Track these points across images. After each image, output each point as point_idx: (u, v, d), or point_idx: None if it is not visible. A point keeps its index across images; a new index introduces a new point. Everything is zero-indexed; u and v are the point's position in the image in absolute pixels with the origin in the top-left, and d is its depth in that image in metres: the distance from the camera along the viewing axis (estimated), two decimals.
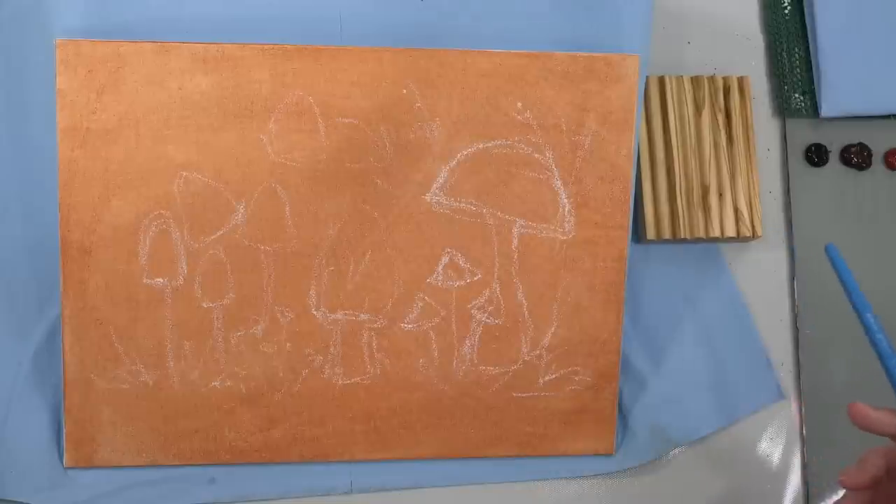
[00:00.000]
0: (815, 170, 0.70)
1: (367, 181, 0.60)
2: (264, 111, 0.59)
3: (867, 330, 0.50)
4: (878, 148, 0.70)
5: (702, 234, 0.66)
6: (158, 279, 0.59)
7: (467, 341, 0.62)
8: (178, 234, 0.59)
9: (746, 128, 0.67)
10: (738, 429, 0.67)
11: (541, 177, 0.61)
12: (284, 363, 0.61)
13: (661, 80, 0.66)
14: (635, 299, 0.66)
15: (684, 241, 0.66)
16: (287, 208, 0.60)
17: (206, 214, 0.59)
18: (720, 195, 0.66)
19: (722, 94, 0.67)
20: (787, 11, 0.71)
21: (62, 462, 0.61)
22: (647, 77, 0.66)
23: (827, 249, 0.53)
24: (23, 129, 0.61)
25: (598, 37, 0.63)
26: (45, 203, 0.60)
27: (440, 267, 0.61)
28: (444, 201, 0.61)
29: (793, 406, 0.68)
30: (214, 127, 0.59)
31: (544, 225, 0.62)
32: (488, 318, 0.62)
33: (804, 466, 0.68)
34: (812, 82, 0.70)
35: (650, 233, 0.65)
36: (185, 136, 0.58)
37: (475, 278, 0.62)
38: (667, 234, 0.65)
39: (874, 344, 0.50)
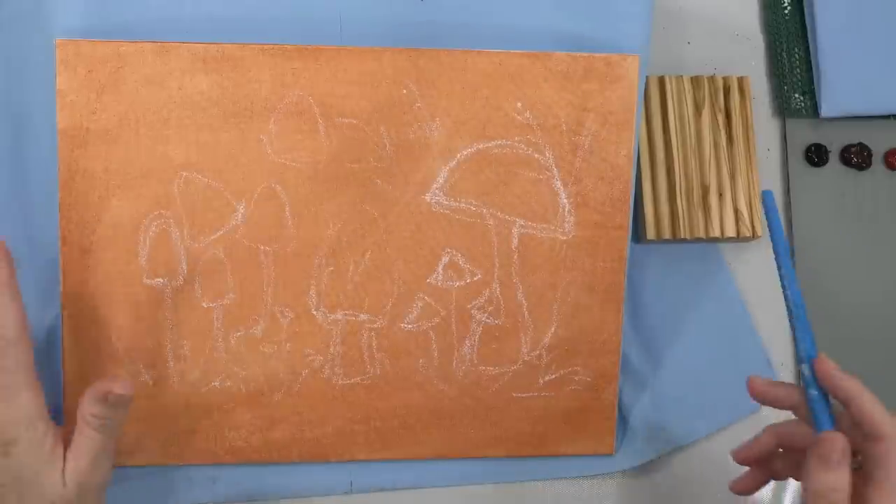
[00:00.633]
0: (815, 170, 0.70)
1: (367, 181, 0.60)
2: (264, 111, 0.59)
3: (783, 278, 0.52)
4: (878, 148, 0.70)
5: (702, 234, 0.66)
6: (158, 279, 0.59)
7: (467, 341, 0.62)
8: (178, 234, 0.59)
9: (746, 128, 0.67)
10: (739, 429, 0.67)
11: (541, 177, 0.61)
12: (284, 363, 0.61)
13: (661, 80, 0.67)
14: (635, 299, 0.66)
15: (684, 241, 0.66)
16: (287, 208, 0.60)
17: (206, 214, 0.59)
18: (720, 195, 0.66)
19: (722, 94, 0.67)
20: (787, 11, 0.71)
21: None
22: (647, 77, 0.66)
23: (764, 195, 0.54)
24: (23, 129, 0.61)
25: (598, 37, 0.63)
26: (45, 203, 0.60)
27: (440, 267, 0.61)
28: (444, 201, 0.61)
29: None
30: (214, 127, 0.59)
31: (544, 225, 0.62)
32: (488, 318, 0.62)
33: None
34: (812, 82, 0.70)
35: (650, 233, 0.65)
36: (185, 136, 0.58)
37: (475, 278, 0.62)
38: (667, 234, 0.65)
39: (786, 289, 0.53)
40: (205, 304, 0.60)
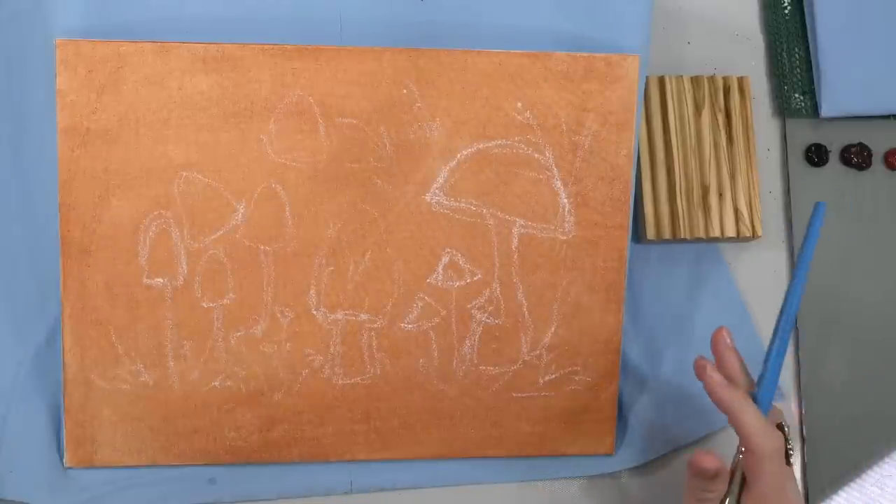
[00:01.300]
0: (815, 170, 0.70)
1: (367, 181, 0.60)
2: (264, 111, 0.59)
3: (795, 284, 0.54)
4: (878, 148, 0.70)
5: (702, 234, 0.66)
6: (158, 279, 0.59)
7: (467, 341, 0.62)
8: (178, 234, 0.59)
9: (746, 128, 0.67)
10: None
11: (541, 177, 0.61)
12: (284, 363, 0.61)
13: (661, 80, 0.67)
14: (635, 299, 0.66)
15: (684, 241, 0.66)
16: (287, 208, 0.60)
17: (206, 214, 0.59)
18: (720, 195, 0.66)
19: (722, 94, 0.67)
20: (787, 11, 0.71)
21: (62, 462, 0.61)
22: (647, 77, 0.66)
23: (817, 206, 0.55)
24: (23, 129, 0.61)
25: (598, 37, 0.63)
26: (45, 203, 0.60)
27: (440, 267, 0.61)
28: (444, 201, 0.61)
29: (793, 406, 0.68)
30: (214, 127, 0.59)
31: (544, 225, 0.62)
32: (488, 318, 0.62)
33: (804, 466, 0.68)
34: (812, 82, 0.70)
35: (650, 233, 0.65)
36: (185, 136, 0.58)
37: (475, 278, 0.62)
38: (667, 234, 0.65)
39: (793, 294, 0.54)
40: (205, 304, 0.60)
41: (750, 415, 0.52)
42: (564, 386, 0.64)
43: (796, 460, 0.68)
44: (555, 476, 0.65)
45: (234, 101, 0.59)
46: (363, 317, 0.61)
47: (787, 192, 0.70)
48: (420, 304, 0.61)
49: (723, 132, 0.67)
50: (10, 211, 0.61)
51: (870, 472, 0.67)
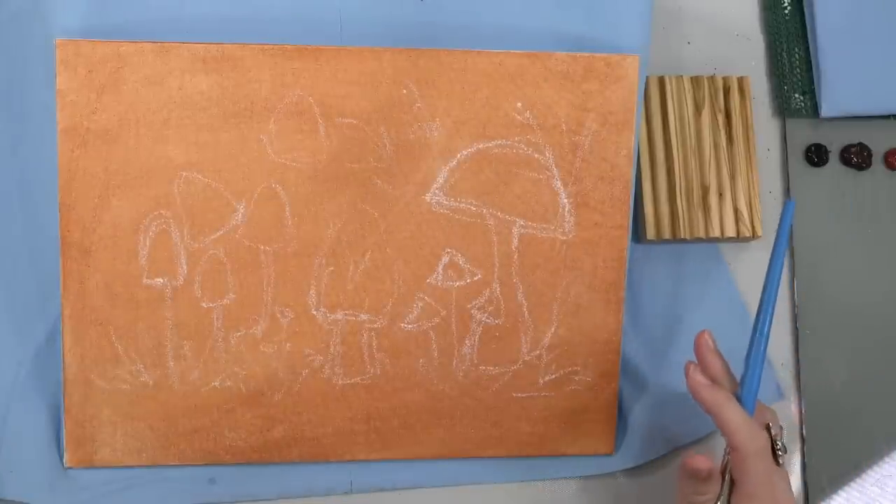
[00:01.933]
0: (815, 170, 0.70)
1: (367, 181, 0.60)
2: (264, 111, 0.59)
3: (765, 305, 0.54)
4: (878, 148, 0.70)
5: (702, 234, 0.66)
6: (158, 279, 0.59)
7: (467, 341, 0.62)
8: (178, 234, 0.59)
9: (746, 128, 0.67)
10: None
11: (541, 177, 0.61)
12: (284, 363, 0.61)
13: (661, 80, 0.67)
14: (635, 299, 0.66)
15: (684, 241, 0.66)
16: (287, 208, 0.60)
17: (206, 214, 0.59)
18: (720, 195, 0.66)
19: (722, 94, 0.67)
20: (787, 11, 0.71)
21: (62, 462, 0.61)
22: (647, 77, 0.66)
23: (786, 205, 0.55)
24: (23, 129, 0.61)
25: (598, 37, 0.63)
26: (45, 203, 0.60)
27: (440, 267, 0.61)
28: (444, 201, 0.61)
29: (793, 406, 0.68)
30: (214, 127, 0.59)
31: (544, 225, 0.62)
32: (488, 318, 0.62)
33: (804, 466, 0.68)
34: (812, 82, 0.70)
35: (650, 233, 0.65)
36: (185, 136, 0.58)
37: (475, 278, 0.62)
38: (667, 234, 0.65)
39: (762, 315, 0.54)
40: (205, 304, 0.60)
41: (732, 412, 0.52)
42: (564, 386, 0.64)
43: (792, 461, 0.68)
44: (555, 476, 0.65)
45: (234, 101, 0.59)
46: (363, 317, 0.61)
47: (787, 192, 0.70)
48: (420, 304, 0.61)
49: (723, 132, 0.67)
50: (10, 211, 0.61)
51: (870, 472, 0.67)
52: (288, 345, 0.61)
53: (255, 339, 0.61)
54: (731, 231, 0.66)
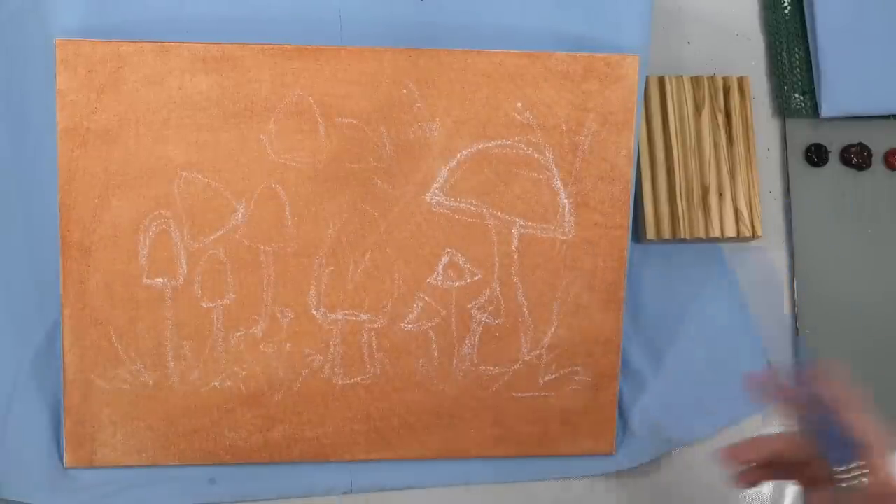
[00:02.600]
0: (815, 170, 0.70)
1: (367, 181, 0.60)
2: (264, 111, 0.59)
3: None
4: (878, 148, 0.70)
5: (702, 234, 0.66)
6: (158, 279, 0.59)
7: (467, 341, 0.62)
8: (178, 234, 0.59)
9: (746, 128, 0.67)
10: (738, 429, 0.67)
11: (541, 177, 0.61)
12: (284, 363, 0.61)
13: (661, 80, 0.67)
14: (635, 299, 0.66)
15: (684, 241, 0.66)
16: (287, 208, 0.60)
17: (206, 214, 0.59)
18: (720, 195, 0.66)
19: (722, 94, 0.67)
20: (787, 11, 0.71)
21: (62, 462, 0.61)
22: (647, 77, 0.66)
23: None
24: (23, 129, 0.61)
25: (598, 37, 0.63)
26: (45, 203, 0.60)
27: (440, 267, 0.61)
28: (444, 201, 0.61)
29: None
30: (214, 127, 0.59)
31: (544, 225, 0.62)
32: (488, 318, 0.62)
33: None
34: (812, 82, 0.70)
35: (650, 233, 0.65)
36: (185, 136, 0.58)
37: (475, 278, 0.62)
38: (667, 234, 0.65)
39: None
40: (205, 304, 0.60)
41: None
42: (564, 386, 0.64)
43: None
44: (555, 476, 0.65)
45: (234, 101, 0.59)
46: (363, 317, 0.61)
47: (787, 192, 0.70)
48: (420, 304, 0.61)
49: (723, 132, 0.67)
50: (10, 211, 0.61)
51: None
52: (288, 345, 0.61)
53: (255, 339, 0.60)
54: (731, 231, 0.66)
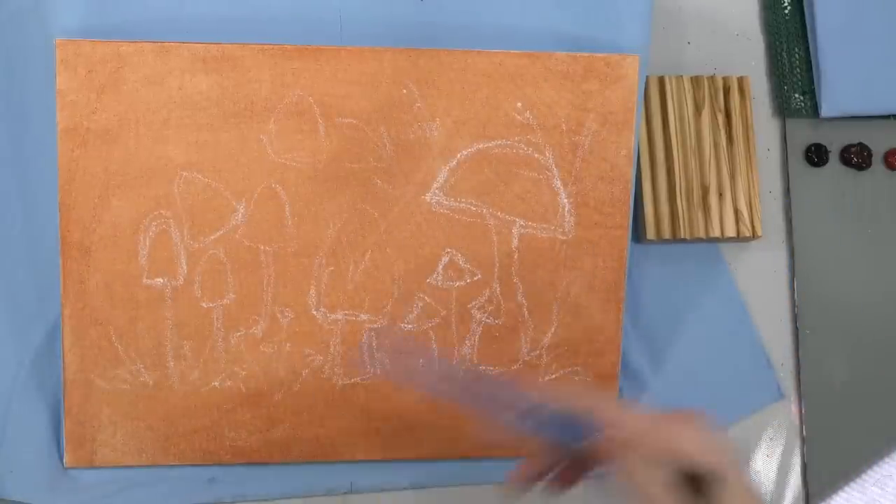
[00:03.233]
0: (815, 170, 0.70)
1: (367, 181, 0.60)
2: (264, 111, 0.59)
3: None
4: (878, 148, 0.70)
5: (702, 234, 0.66)
6: (158, 279, 0.59)
7: (467, 341, 0.62)
8: (178, 234, 0.59)
9: (746, 128, 0.67)
10: (738, 429, 0.67)
11: (541, 177, 0.61)
12: (284, 363, 0.61)
13: (661, 80, 0.67)
14: (635, 299, 0.66)
15: (684, 241, 0.66)
16: (287, 208, 0.60)
17: (206, 214, 0.59)
18: (720, 195, 0.66)
19: (722, 94, 0.67)
20: (787, 11, 0.71)
21: (62, 462, 0.61)
22: (647, 77, 0.66)
23: None
24: (23, 129, 0.61)
25: (598, 37, 0.63)
26: (45, 203, 0.60)
27: (440, 267, 0.61)
28: (444, 201, 0.61)
29: (793, 406, 0.68)
30: (214, 127, 0.59)
31: (544, 225, 0.62)
32: (488, 318, 0.62)
33: (804, 466, 0.68)
34: (812, 82, 0.70)
35: (650, 233, 0.65)
36: (185, 136, 0.58)
37: (475, 278, 0.62)
38: (667, 234, 0.65)
39: None
40: (205, 304, 0.60)
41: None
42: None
43: (792, 461, 0.68)
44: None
45: (234, 101, 0.59)
46: (363, 317, 0.61)
47: (787, 192, 0.70)
48: (420, 304, 0.61)
49: (723, 132, 0.67)
50: (10, 211, 0.61)
51: (870, 472, 0.67)
52: (288, 345, 0.61)
53: (255, 339, 0.60)
54: (731, 231, 0.66)
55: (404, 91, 0.60)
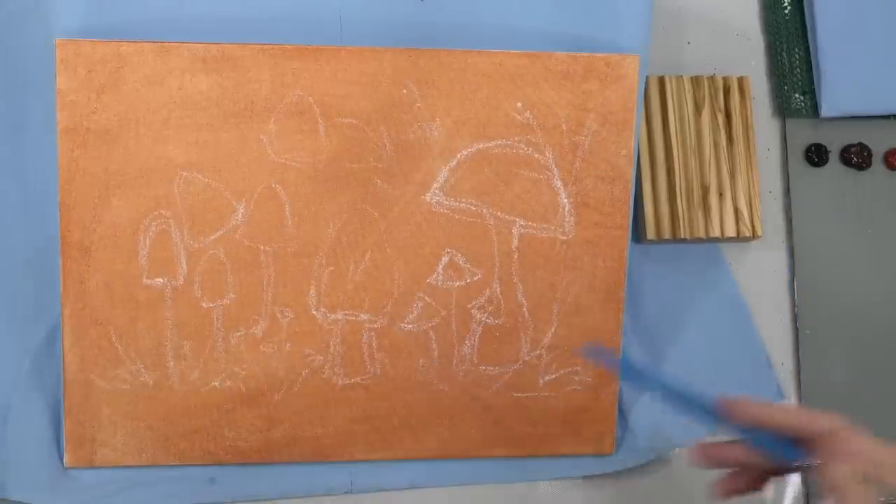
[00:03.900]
0: (815, 170, 0.70)
1: (367, 181, 0.60)
2: (264, 111, 0.59)
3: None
4: (878, 148, 0.70)
5: (702, 234, 0.66)
6: (158, 279, 0.59)
7: (467, 341, 0.62)
8: (178, 234, 0.59)
9: (746, 128, 0.67)
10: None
11: (541, 177, 0.61)
12: (284, 363, 0.61)
13: (661, 80, 0.67)
14: (635, 299, 0.66)
15: (684, 241, 0.66)
16: (287, 208, 0.60)
17: (206, 214, 0.59)
18: (720, 195, 0.66)
19: (722, 94, 0.67)
20: (787, 11, 0.71)
21: (62, 462, 0.61)
22: (647, 77, 0.66)
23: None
24: (23, 129, 0.61)
25: (598, 37, 0.63)
26: (45, 203, 0.60)
27: (440, 267, 0.61)
28: (444, 201, 0.61)
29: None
30: (214, 127, 0.59)
31: (544, 225, 0.62)
32: (488, 318, 0.62)
33: None
34: (812, 82, 0.70)
35: (650, 233, 0.65)
36: (185, 136, 0.58)
37: (475, 278, 0.62)
38: (667, 234, 0.65)
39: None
40: (205, 304, 0.60)
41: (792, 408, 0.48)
42: (564, 386, 0.64)
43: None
44: (555, 476, 0.65)
45: (234, 101, 0.59)
46: (363, 317, 0.61)
47: (787, 192, 0.70)
48: (420, 304, 0.61)
49: (723, 132, 0.67)
50: (10, 211, 0.61)
51: None
52: (288, 345, 0.61)
53: (255, 339, 0.61)
54: (731, 231, 0.66)
55: (404, 91, 0.60)
